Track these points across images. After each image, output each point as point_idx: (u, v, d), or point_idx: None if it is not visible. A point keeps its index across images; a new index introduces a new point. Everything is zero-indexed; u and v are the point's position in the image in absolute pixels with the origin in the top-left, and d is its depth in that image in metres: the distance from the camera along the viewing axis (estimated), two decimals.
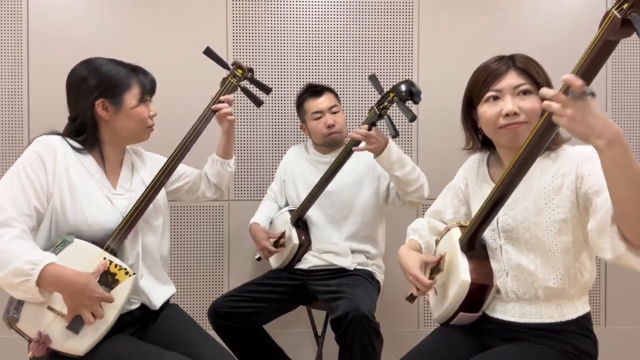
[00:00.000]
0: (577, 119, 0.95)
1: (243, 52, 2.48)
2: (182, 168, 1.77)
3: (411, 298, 1.44)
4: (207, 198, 1.86)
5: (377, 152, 1.83)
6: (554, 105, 0.97)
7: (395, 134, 1.76)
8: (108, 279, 1.33)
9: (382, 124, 1.85)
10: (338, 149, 2.13)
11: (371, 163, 2.01)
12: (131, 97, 1.43)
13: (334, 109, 2.10)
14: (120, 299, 1.33)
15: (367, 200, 2.10)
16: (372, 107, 1.85)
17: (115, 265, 1.35)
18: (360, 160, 2.09)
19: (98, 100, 1.41)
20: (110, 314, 1.31)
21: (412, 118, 1.70)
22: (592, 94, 0.96)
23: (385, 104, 1.80)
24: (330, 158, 2.09)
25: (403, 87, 1.76)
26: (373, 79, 1.86)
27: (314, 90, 2.13)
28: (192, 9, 2.45)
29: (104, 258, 1.34)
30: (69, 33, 2.40)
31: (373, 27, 2.52)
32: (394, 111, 1.85)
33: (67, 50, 2.38)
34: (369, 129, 1.81)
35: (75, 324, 1.28)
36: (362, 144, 1.87)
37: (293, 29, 2.50)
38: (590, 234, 1.08)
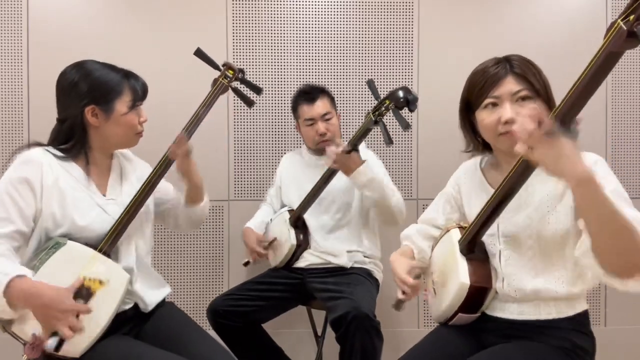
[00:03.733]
0: (548, 158, 0.97)
1: (243, 52, 2.47)
2: (172, 192, 1.73)
3: (397, 304, 1.41)
4: (184, 231, 1.84)
5: (345, 173, 1.89)
6: (528, 142, 0.98)
7: (389, 142, 1.77)
8: (83, 292, 1.31)
9: (377, 131, 1.85)
10: None
11: None
12: (122, 104, 1.41)
13: (327, 116, 2.09)
14: (119, 288, 1.33)
15: (360, 204, 2.10)
16: (368, 113, 1.85)
17: (89, 279, 1.32)
18: None
19: (88, 107, 1.38)
20: (111, 303, 1.32)
21: (406, 126, 1.71)
22: (575, 132, 0.99)
23: (382, 110, 1.81)
24: (323, 161, 2.09)
25: (400, 94, 1.75)
26: (370, 84, 1.86)
27: (307, 96, 2.11)
28: (192, 10, 2.45)
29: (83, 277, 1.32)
30: (69, 34, 2.39)
31: (373, 27, 2.51)
32: (389, 117, 1.85)
33: (67, 51, 2.37)
34: (349, 152, 1.86)
35: (52, 342, 1.24)
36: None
37: (293, 29, 2.49)
38: (577, 252, 1.12)
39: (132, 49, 2.39)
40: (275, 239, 2.10)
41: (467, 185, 1.44)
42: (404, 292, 1.35)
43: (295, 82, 2.49)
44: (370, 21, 2.51)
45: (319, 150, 2.15)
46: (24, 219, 1.30)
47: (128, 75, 1.45)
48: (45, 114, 2.34)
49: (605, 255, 1.03)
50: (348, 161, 1.86)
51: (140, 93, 1.45)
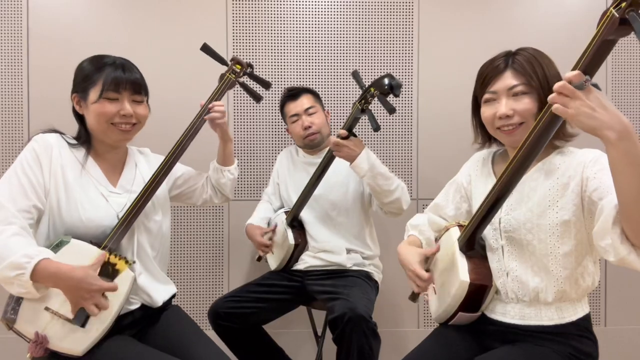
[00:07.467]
0: (585, 110, 0.94)
1: (243, 51, 2.48)
2: (188, 172, 1.77)
3: (413, 296, 1.42)
4: (215, 203, 1.87)
5: (349, 160, 1.88)
6: (559, 98, 0.96)
7: (377, 128, 1.77)
8: (109, 269, 1.32)
9: (364, 119, 1.84)
10: (325, 149, 2.14)
11: None
12: (94, 92, 1.40)
13: (310, 110, 2.10)
14: (123, 288, 1.33)
15: (354, 201, 2.10)
16: (354, 103, 1.86)
17: (115, 255, 1.35)
18: (346, 162, 2.09)
19: (73, 95, 1.44)
20: (115, 303, 1.31)
21: (392, 110, 1.71)
22: (596, 86, 0.95)
23: (367, 98, 1.82)
24: (318, 159, 2.09)
25: (384, 81, 1.76)
26: (355, 75, 1.88)
27: (291, 94, 2.14)
28: (191, 8, 2.45)
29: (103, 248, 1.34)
30: (68, 33, 2.40)
31: (373, 27, 2.52)
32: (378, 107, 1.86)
33: (67, 50, 2.39)
34: (347, 137, 1.85)
35: (79, 317, 1.27)
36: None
37: (293, 27, 2.50)
38: (594, 237, 1.07)
39: (131, 48, 2.39)
40: (276, 225, 2.09)
41: (477, 176, 1.43)
42: (417, 285, 1.34)
43: (295, 82, 2.49)
44: (370, 20, 2.51)
45: (307, 148, 2.16)
46: (37, 194, 1.33)
47: (113, 64, 1.42)
48: (45, 114, 2.36)
49: (636, 224, 0.97)
50: (349, 145, 1.85)
51: (109, 83, 1.38)
